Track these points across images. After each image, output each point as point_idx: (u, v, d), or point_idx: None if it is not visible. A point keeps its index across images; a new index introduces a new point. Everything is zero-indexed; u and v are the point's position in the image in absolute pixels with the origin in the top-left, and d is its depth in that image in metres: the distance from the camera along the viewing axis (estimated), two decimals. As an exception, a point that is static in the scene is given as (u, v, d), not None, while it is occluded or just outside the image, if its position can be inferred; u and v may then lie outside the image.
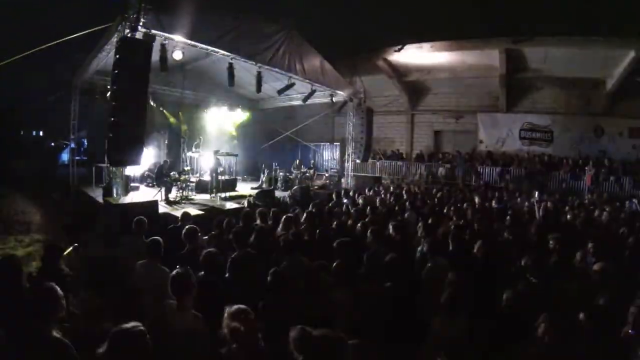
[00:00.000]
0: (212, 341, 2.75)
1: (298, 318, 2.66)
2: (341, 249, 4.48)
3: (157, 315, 2.99)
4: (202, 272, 3.80)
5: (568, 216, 8.50)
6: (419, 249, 5.26)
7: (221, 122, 16.23)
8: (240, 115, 16.83)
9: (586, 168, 14.96)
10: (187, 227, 5.01)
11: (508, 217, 7.71)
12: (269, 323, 3.07)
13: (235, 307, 2.61)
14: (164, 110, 15.14)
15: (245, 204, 10.30)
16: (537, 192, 12.15)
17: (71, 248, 4.69)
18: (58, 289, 2.66)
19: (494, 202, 10.32)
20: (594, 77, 16.12)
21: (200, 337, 2.90)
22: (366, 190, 12.46)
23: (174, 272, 3.15)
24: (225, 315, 2.59)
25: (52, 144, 22.41)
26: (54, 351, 2.41)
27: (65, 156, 19.31)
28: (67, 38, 8.71)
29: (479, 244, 5.04)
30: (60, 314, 2.61)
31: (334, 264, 4.02)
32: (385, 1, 23.09)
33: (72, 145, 14.09)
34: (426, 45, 16.98)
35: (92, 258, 5.15)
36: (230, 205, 10.81)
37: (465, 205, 9.39)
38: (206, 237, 5.57)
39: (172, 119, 15.36)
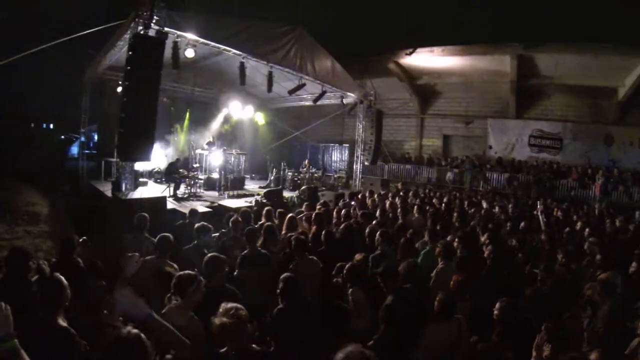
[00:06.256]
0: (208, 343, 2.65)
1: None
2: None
3: (158, 311, 2.98)
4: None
5: (577, 225, 8.38)
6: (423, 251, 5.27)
7: (233, 120, 16.32)
8: (252, 114, 16.90)
9: (596, 176, 14.80)
10: (200, 223, 5.01)
11: (509, 224, 7.60)
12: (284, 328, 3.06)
13: (229, 304, 2.51)
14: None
15: (254, 203, 10.34)
16: (538, 203, 11.83)
17: (80, 241, 4.71)
18: (63, 279, 2.73)
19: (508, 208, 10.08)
20: (605, 85, 15.95)
21: (195, 337, 2.75)
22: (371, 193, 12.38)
23: (180, 273, 3.08)
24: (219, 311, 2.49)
25: (62, 137, 22.61)
26: (59, 339, 2.45)
27: (74, 149, 19.49)
28: (80, 33, 8.78)
29: (488, 250, 5.00)
30: (65, 302, 2.66)
31: (349, 264, 4.05)
32: (397, 5, 23.12)
33: (82, 138, 14.24)
34: (437, 49, 16.91)
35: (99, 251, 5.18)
36: (238, 203, 10.84)
37: (473, 210, 9.33)
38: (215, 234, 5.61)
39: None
